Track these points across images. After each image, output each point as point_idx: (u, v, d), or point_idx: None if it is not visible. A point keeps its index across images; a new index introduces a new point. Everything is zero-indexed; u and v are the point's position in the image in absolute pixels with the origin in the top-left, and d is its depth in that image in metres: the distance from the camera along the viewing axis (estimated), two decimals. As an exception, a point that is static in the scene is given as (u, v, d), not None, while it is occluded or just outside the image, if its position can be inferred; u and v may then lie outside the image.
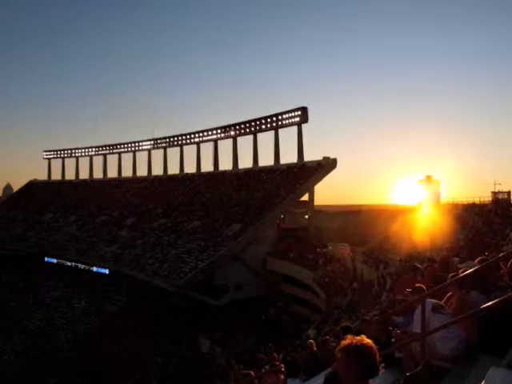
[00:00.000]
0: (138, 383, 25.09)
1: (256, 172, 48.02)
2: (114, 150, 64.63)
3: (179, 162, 57.67)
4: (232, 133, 51.29)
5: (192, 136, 55.86)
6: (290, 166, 45.02)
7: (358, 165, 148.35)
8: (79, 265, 43.22)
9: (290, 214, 44.24)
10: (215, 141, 53.38)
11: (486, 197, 30.83)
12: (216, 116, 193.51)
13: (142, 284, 35.56)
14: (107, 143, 65.82)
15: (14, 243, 50.23)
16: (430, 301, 4.05)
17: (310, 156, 45.12)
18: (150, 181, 59.00)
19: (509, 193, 29.76)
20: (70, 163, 69.23)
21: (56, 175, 70.43)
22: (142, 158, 62.46)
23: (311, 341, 10.36)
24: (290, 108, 45.46)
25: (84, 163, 67.87)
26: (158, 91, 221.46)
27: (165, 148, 59.32)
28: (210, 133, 53.69)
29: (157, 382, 25.15)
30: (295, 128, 45.73)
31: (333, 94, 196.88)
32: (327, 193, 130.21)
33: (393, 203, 49.56)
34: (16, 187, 74.58)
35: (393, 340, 4.79)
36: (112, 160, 65.24)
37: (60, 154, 69.61)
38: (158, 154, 60.59)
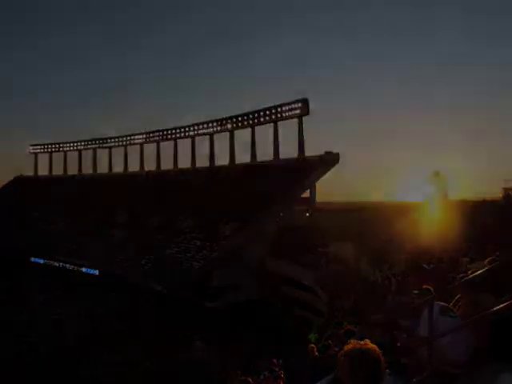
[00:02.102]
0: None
1: (254, 167, 48.01)
2: (105, 144, 64.56)
3: (173, 157, 57.70)
4: (229, 126, 51.24)
5: (186, 129, 55.82)
6: (290, 161, 45.02)
7: (361, 160, 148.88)
8: (68, 265, 43.21)
9: (290, 211, 44.29)
10: (211, 134, 53.35)
11: (496, 193, 30.98)
12: (212, 108, 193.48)
13: (134, 286, 35.59)
14: (97, 137, 65.84)
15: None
16: (438, 303, 4.04)
17: (311, 150, 45.27)
18: (143, 176, 58.96)
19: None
20: (58, 158, 69.26)
21: (43, 170, 70.43)
22: (133, 152, 62.53)
23: (312, 345, 10.39)
24: (290, 100, 45.52)
25: (73, 158, 67.97)
26: (151, 83, 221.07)
27: (158, 142, 59.29)
28: (205, 126, 53.64)
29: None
30: (296, 121, 45.73)
31: (335, 86, 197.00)
32: (329, 189, 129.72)
33: (398, 200, 49.64)
34: (0, 183, 74.56)
35: (398, 344, 4.79)
36: (102, 154, 65.29)
37: (47, 148, 69.51)
38: (150, 149, 60.68)
